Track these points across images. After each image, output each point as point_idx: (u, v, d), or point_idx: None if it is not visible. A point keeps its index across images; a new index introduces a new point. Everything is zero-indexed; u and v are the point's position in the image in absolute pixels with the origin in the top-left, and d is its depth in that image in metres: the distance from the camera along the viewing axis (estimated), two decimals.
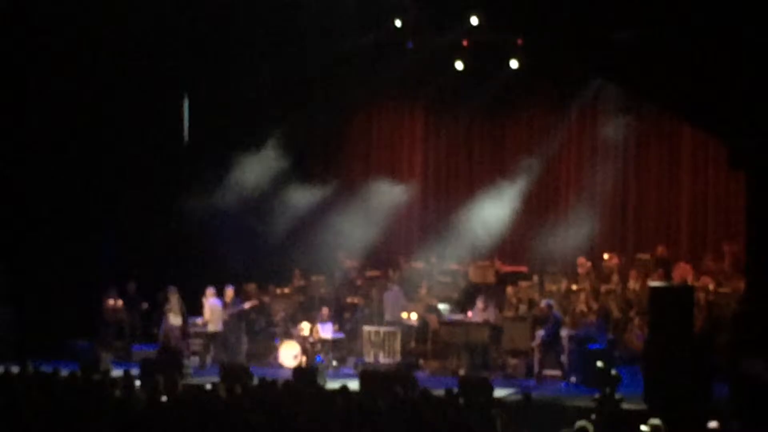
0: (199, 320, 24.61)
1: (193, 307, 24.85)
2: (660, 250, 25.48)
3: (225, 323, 24.46)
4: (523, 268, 26.19)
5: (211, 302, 24.41)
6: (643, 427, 14.59)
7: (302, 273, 26.67)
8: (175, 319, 24.10)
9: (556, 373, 22.28)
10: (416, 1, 25.15)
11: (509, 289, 24.76)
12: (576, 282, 24.80)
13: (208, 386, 18.20)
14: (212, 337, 24.39)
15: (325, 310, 24.83)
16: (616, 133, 26.53)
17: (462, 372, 22.34)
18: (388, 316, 24.61)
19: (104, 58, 25.43)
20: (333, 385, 18.96)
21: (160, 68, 25.81)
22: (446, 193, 28.82)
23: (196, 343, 24.82)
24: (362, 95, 28.41)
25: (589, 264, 25.38)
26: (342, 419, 15.72)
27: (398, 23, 26.06)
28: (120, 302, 25.05)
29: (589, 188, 27.03)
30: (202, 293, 24.79)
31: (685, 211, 26.62)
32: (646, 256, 25.42)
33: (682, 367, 18.62)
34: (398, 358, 23.68)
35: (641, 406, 18.28)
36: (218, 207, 26.39)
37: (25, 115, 25.91)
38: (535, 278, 25.26)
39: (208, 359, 24.32)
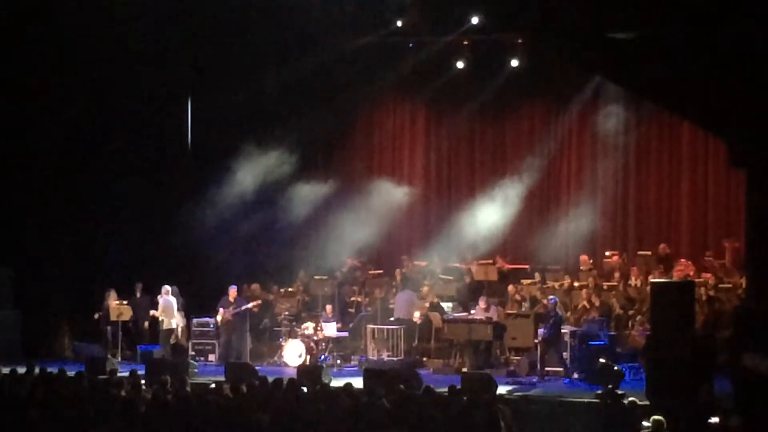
0: (153, 313, 24.86)
1: (200, 308, 25.23)
2: (661, 247, 25.59)
3: (228, 323, 24.62)
4: (525, 266, 26.30)
5: (164, 300, 24.46)
6: (645, 423, 14.72)
7: (306, 272, 26.80)
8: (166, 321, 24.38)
9: (559, 369, 22.41)
10: (417, 1, 25.23)
11: (511, 287, 24.87)
12: (577, 279, 24.93)
13: (213, 386, 18.31)
14: (167, 333, 24.41)
15: (328, 309, 25.02)
16: (616, 131, 26.65)
17: (465, 369, 22.46)
18: (399, 315, 24.69)
19: (109, 63, 25.56)
20: (337, 383, 19.08)
21: (164, 72, 25.92)
22: (448, 192, 28.90)
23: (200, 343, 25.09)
24: (364, 95, 28.47)
25: (590, 262, 25.54)
26: (346, 417, 15.85)
27: (399, 23, 26.18)
28: (125, 303, 25.20)
29: (590, 186, 27.12)
30: (206, 294, 25.07)
31: (685, 208, 26.71)
32: (647, 253, 25.56)
33: (684, 363, 18.73)
34: (402, 356, 23.81)
35: (643, 402, 18.38)
36: (222, 208, 26.48)
37: (29, 119, 26.02)
38: (537, 276, 25.39)
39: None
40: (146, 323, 25.41)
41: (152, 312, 24.92)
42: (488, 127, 28.56)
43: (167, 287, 24.47)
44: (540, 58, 25.92)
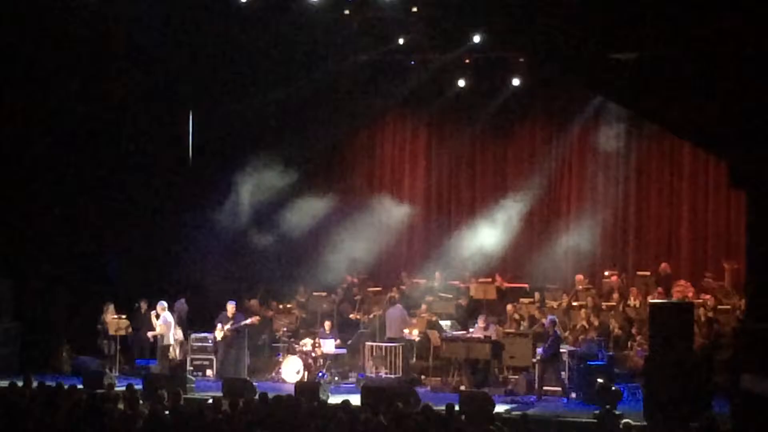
0: (150, 333, 24.69)
1: (201, 322, 25.26)
2: (662, 267, 25.57)
3: (227, 338, 24.58)
4: (525, 285, 26.27)
5: (162, 316, 24.38)
6: None
7: (305, 288, 26.78)
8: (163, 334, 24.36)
9: (557, 389, 22.38)
10: (419, 19, 25.26)
11: (510, 306, 24.85)
12: (576, 299, 24.91)
13: (211, 401, 18.28)
14: (165, 349, 24.35)
15: (327, 326, 24.97)
16: (617, 151, 26.66)
17: (463, 388, 22.42)
18: (390, 333, 24.69)
19: (111, 76, 25.59)
20: (335, 400, 19.07)
21: (165, 86, 25.94)
22: (448, 210, 28.89)
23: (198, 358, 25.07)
24: (365, 112, 28.55)
25: (586, 281, 25.53)
26: None
27: (401, 41, 26.21)
28: (124, 317, 25.18)
29: (590, 205, 27.12)
30: (205, 309, 25.12)
31: (685, 229, 26.68)
32: (646, 273, 25.54)
33: (682, 384, 18.71)
34: (400, 373, 23.78)
35: (641, 423, 18.36)
36: (222, 222, 26.49)
37: (29, 131, 26.04)
38: (536, 295, 25.36)
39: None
40: (153, 339, 25.25)
41: (150, 333, 24.74)
42: (489, 145, 28.56)
43: (164, 303, 24.43)
44: (541, 77, 25.96)
